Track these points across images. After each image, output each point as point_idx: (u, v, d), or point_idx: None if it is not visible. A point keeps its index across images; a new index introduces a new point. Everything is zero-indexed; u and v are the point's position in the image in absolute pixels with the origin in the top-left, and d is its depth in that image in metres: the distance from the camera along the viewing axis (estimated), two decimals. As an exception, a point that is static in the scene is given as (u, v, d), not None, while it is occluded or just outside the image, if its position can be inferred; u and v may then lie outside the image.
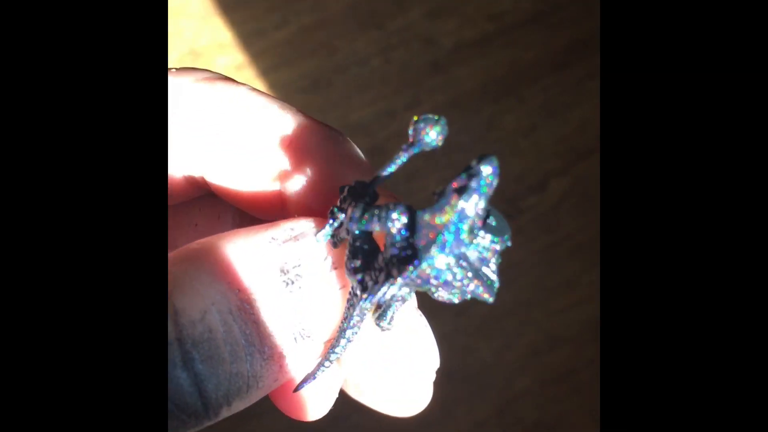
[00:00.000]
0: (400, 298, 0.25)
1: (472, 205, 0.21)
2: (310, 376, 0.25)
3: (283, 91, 1.06)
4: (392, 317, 0.25)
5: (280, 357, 0.23)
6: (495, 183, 0.22)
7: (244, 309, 0.22)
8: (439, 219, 0.22)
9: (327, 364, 0.25)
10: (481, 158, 0.21)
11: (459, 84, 1.06)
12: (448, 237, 0.22)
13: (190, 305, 0.21)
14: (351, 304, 0.24)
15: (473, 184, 0.21)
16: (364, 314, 0.24)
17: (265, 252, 0.23)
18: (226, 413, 0.22)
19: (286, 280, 0.23)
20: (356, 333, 0.24)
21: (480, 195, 0.21)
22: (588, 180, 0.99)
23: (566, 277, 0.94)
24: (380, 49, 1.08)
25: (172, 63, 1.05)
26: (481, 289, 0.23)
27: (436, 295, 0.23)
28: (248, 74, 1.06)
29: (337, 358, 0.25)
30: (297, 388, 0.25)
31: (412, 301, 0.26)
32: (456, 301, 0.23)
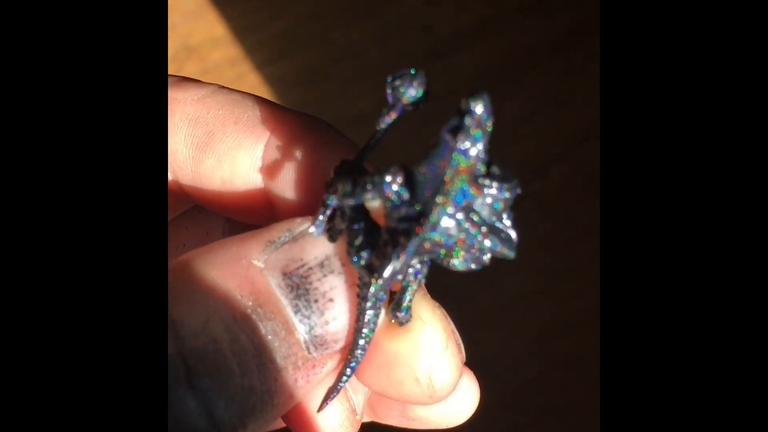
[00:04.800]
0: (413, 279, 0.22)
1: (471, 144, 0.19)
2: (332, 391, 0.23)
3: (280, 85, 1.05)
4: (409, 302, 0.23)
5: (294, 368, 0.21)
6: (490, 122, 0.19)
7: (249, 316, 0.20)
8: (439, 167, 0.20)
9: (348, 372, 0.22)
10: (471, 96, 0.19)
11: (458, 71, 1.05)
12: (456, 185, 0.19)
13: (189, 315, 0.20)
14: (362, 296, 0.21)
15: (467, 121, 0.19)
16: (378, 305, 0.22)
17: (264, 256, 0.21)
18: None
19: (290, 284, 0.21)
20: (373, 330, 0.22)
21: (478, 132, 0.19)
22: (590, 165, 0.98)
23: (571, 262, 0.94)
24: (377, 38, 1.07)
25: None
26: (499, 244, 0.21)
27: (452, 263, 0.21)
28: (243, 68, 1.05)
29: (358, 365, 0.23)
30: (321, 407, 0.23)
31: (424, 292, 0.24)
32: (473, 267, 0.21)
